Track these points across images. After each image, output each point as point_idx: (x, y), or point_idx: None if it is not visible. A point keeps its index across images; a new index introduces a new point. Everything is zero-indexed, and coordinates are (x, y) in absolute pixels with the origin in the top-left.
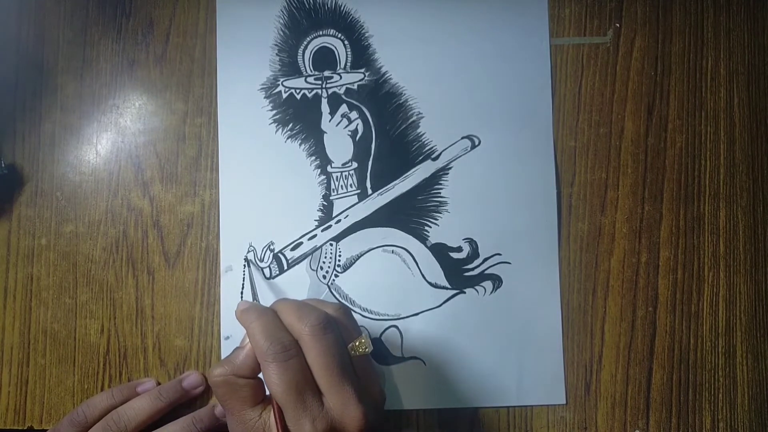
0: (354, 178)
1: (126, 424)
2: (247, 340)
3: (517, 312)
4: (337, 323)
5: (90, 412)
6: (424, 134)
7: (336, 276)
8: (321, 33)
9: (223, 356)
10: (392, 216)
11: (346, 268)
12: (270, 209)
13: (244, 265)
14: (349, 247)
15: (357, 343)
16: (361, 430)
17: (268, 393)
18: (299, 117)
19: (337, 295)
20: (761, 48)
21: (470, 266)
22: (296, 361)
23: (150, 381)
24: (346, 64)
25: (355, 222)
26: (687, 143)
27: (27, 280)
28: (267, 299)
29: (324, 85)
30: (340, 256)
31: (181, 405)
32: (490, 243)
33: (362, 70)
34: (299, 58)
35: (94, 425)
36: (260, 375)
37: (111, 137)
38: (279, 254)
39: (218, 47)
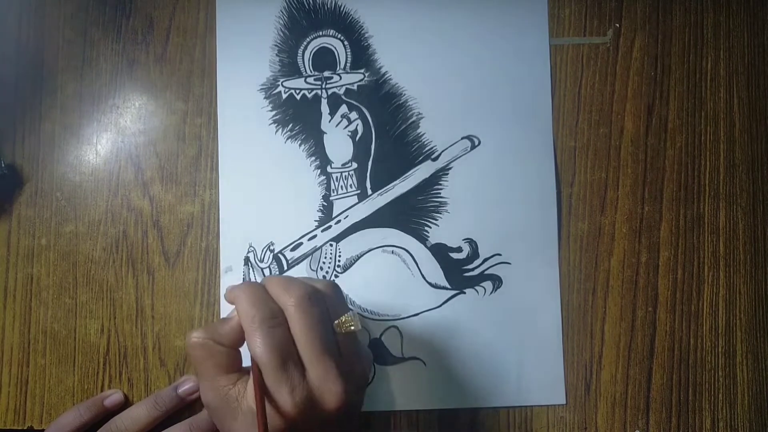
0: (354, 178)
1: None
2: (234, 313)
3: (517, 312)
4: (326, 299)
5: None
6: (424, 134)
7: (336, 276)
8: (321, 33)
9: None
10: (392, 216)
11: (346, 268)
12: (270, 209)
13: (244, 265)
14: (349, 247)
15: (343, 320)
16: (339, 406)
17: (244, 365)
18: (299, 117)
19: None
20: (761, 48)
21: (470, 266)
22: (282, 330)
23: (116, 392)
24: (345, 65)
25: (355, 222)
26: (687, 143)
27: (27, 280)
28: None
29: (324, 86)
30: (340, 256)
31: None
32: (490, 243)
33: (362, 71)
34: (299, 58)
35: None
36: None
37: (111, 137)
38: (279, 254)
39: (218, 47)
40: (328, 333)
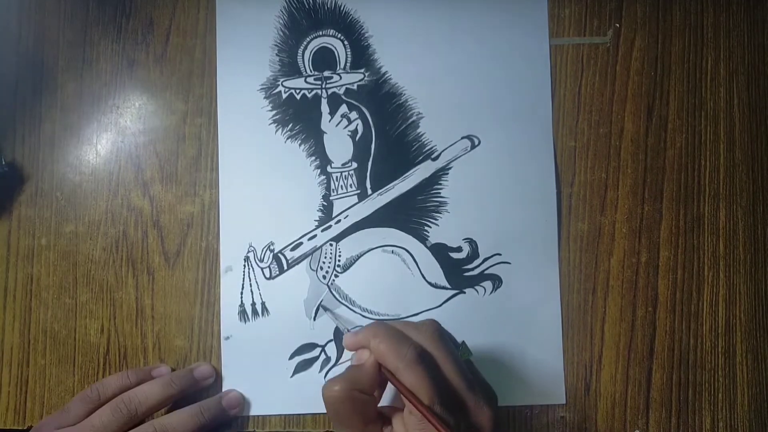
0: (354, 178)
1: (136, 407)
2: (364, 356)
3: (517, 312)
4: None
5: (103, 390)
6: (424, 134)
7: (336, 276)
8: (321, 33)
9: (223, 356)
10: (392, 216)
11: (346, 268)
12: (270, 209)
13: (244, 265)
14: (349, 247)
15: (461, 351)
16: (492, 427)
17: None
18: (299, 117)
19: (337, 296)
20: (761, 48)
21: (470, 266)
22: (431, 366)
23: (165, 367)
24: (345, 65)
25: (355, 222)
26: (687, 143)
27: (27, 280)
28: (267, 299)
29: (324, 86)
30: (340, 256)
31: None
32: (490, 243)
33: (362, 70)
34: (299, 58)
35: (104, 404)
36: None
37: (111, 137)
38: (279, 254)
39: (218, 47)
40: (462, 364)
